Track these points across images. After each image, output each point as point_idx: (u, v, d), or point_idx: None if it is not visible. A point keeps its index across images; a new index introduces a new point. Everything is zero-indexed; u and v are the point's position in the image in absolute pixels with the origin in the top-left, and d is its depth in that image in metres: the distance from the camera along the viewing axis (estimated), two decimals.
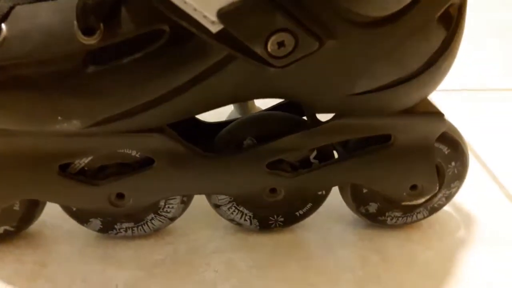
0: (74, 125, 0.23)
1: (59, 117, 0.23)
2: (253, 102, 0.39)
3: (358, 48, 0.24)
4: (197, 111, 0.26)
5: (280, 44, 0.22)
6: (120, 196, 0.30)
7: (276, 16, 0.22)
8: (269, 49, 0.22)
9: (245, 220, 0.33)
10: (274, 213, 0.33)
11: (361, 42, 0.24)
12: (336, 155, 0.32)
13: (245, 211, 0.33)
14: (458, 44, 0.27)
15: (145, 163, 0.29)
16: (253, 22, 0.21)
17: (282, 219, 0.34)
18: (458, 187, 0.35)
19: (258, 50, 0.22)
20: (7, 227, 0.31)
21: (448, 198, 0.35)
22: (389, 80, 0.26)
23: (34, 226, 0.33)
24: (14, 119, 0.23)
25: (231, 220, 0.34)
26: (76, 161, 0.29)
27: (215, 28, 0.21)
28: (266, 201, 0.32)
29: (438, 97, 0.35)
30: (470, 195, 0.40)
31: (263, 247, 0.34)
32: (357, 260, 0.34)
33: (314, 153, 0.31)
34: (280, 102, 0.34)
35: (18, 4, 0.22)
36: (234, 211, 0.33)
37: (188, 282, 0.31)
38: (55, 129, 0.24)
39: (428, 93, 0.29)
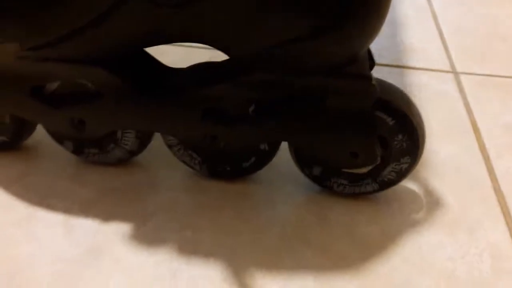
0: (14, 46, 0.28)
1: (1, 38, 0.28)
2: None
3: None
4: (117, 48, 0.29)
5: None
6: (82, 122, 0.34)
7: None
8: None
9: (194, 164, 0.36)
10: (220, 161, 0.35)
11: None
12: None
13: (194, 155, 0.35)
14: (374, 6, 0.26)
15: (99, 95, 0.33)
16: None
17: (229, 169, 0.36)
18: (410, 164, 0.33)
19: None
20: (3, 137, 0.38)
21: (400, 174, 0.34)
22: (285, 37, 0.26)
23: (30, 143, 0.40)
24: None
25: (184, 162, 0.36)
26: (47, 86, 0.34)
27: None
28: (210, 148, 0.34)
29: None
30: (451, 180, 0.38)
31: (210, 192, 0.36)
32: (293, 218, 0.35)
33: (253, 106, 0.32)
34: None
35: None
36: (183, 153, 0.35)
37: (131, 208, 0.35)
38: (4, 49, 0.29)
39: (347, 53, 0.28)
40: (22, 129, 0.37)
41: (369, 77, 0.29)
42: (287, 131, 0.32)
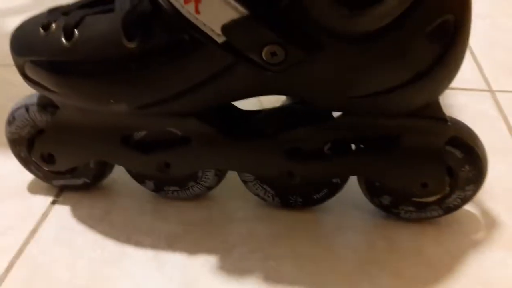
0: (122, 107, 0.31)
1: (111, 100, 0.31)
2: None
3: (346, 60, 0.28)
4: (218, 103, 0.32)
5: (273, 54, 0.27)
6: (167, 165, 0.37)
7: (265, 32, 0.27)
8: (264, 57, 0.28)
9: (268, 196, 0.39)
10: (293, 194, 0.38)
11: (350, 55, 0.28)
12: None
13: (268, 189, 0.38)
14: (457, 56, 0.29)
15: (186, 140, 0.36)
16: (248, 36, 0.27)
17: (300, 200, 0.38)
18: (474, 191, 0.36)
19: (255, 58, 0.28)
20: (86, 179, 0.40)
21: (464, 200, 0.36)
22: (382, 87, 0.29)
23: (107, 182, 0.42)
24: (81, 99, 0.31)
25: (257, 195, 0.39)
26: (134, 134, 0.36)
27: (220, 39, 0.27)
28: (285, 183, 0.37)
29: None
30: (503, 200, 0.41)
31: (283, 221, 0.39)
32: (364, 244, 0.37)
33: (328, 145, 0.35)
34: None
35: (87, 15, 0.30)
36: (258, 187, 0.38)
37: (213, 240, 0.38)
38: (110, 109, 0.31)
39: (430, 99, 0.31)
40: (103, 171, 0.40)
41: (446, 119, 0.32)
42: (362, 167, 0.35)
